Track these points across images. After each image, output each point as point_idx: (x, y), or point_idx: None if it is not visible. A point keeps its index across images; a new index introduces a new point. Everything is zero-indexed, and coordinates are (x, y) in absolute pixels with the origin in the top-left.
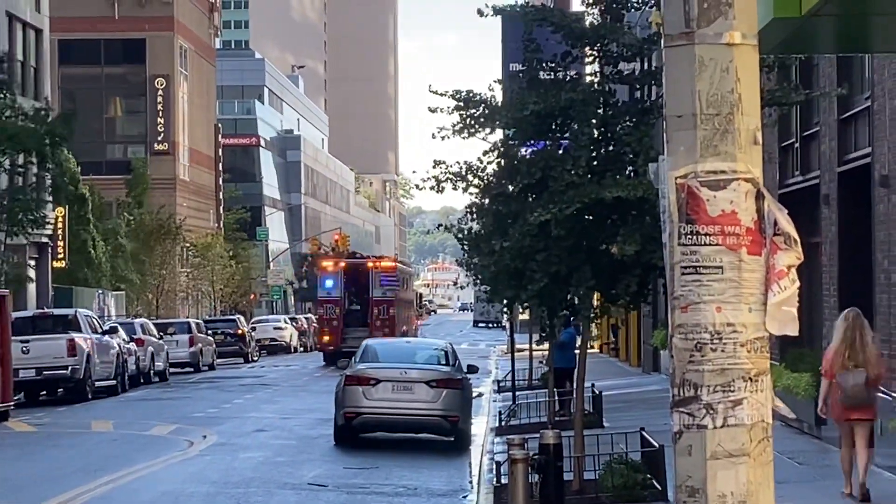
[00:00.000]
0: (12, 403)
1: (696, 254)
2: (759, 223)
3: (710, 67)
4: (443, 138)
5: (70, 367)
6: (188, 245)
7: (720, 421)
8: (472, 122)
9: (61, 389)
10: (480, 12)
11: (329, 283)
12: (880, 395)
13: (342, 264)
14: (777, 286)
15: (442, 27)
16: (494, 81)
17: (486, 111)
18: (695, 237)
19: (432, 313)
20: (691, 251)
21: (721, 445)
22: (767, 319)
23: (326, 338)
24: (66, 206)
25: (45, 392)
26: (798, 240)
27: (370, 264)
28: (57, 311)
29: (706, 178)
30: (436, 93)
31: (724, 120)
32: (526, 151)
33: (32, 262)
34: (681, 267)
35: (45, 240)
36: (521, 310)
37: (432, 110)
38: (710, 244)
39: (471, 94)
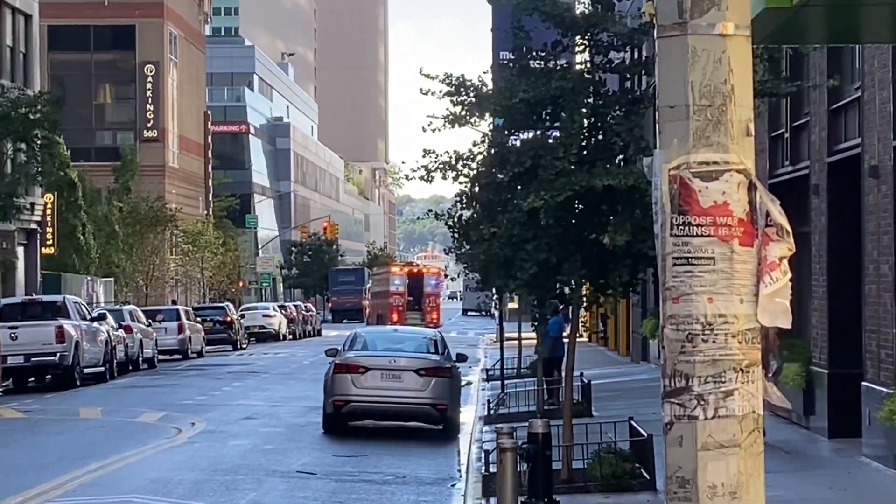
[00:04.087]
0: (0, 390)
1: (688, 245)
2: (751, 214)
3: (702, 58)
4: (434, 131)
5: (58, 354)
6: (179, 232)
7: (711, 412)
8: (463, 111)
9: (49, 376)
10: None
11: (398, 281)
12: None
13: (406, 270)
14: (769, 277)
15: (438, 11)
16: (484, 73)
17: (476, 98)
18: (687, 228)
19: None
20: (683, 242)
21: (712, 436)
22: (759, 311)
23: (395, 318)
24: (56, 193)
25: (33, 378)
26: (790, 231)
27: (424, 270)
28: (46, 298)
29: (698, 168)
30: (427, 76)
31: (716, 111)
32: (515, 140)
33: (21, 248)
34: (672, 258)
35: (33, 226)
36: (510, 298)
37: (424, 93)
38: (702, 235)
39: (462, 80)
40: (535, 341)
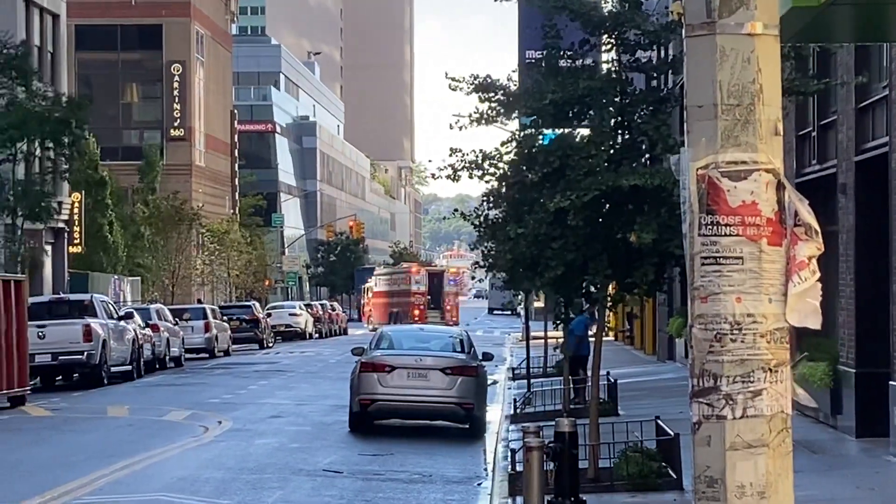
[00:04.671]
0: (28, 388)
1: (716, 244)
2: (780, 214)
3: (731, 58)
4: (460, 128)
5: (86, 353)
6: (205, 231)
7: (740, 411)
8: (491, 111)
9: (77, 374)
10: None
11: (418, 280)
12: None
13: (426, 270)
14: (797, 277)
15: (465, 10)
16: (512, 71)
17: (505, 98)
18: (715, 228)
19: None
20: (711, 242)
21: (740, 436)
22: (787, 311)
23: (416, 315)
24: (83, 192)
25: (60, 377)
26: (819, 231)
27: (443, 269)
28: (73, 297)
29: (727, 168)
30: (453, 79)
31: (745, 110)
32: (543, 139)
33: (49, 248)
34: (701, 257)
35: (61, 225)
36: (536, 297)
37: (452, 88)
38: (730, 235)
39: (489, 81)
40: (560, 340)
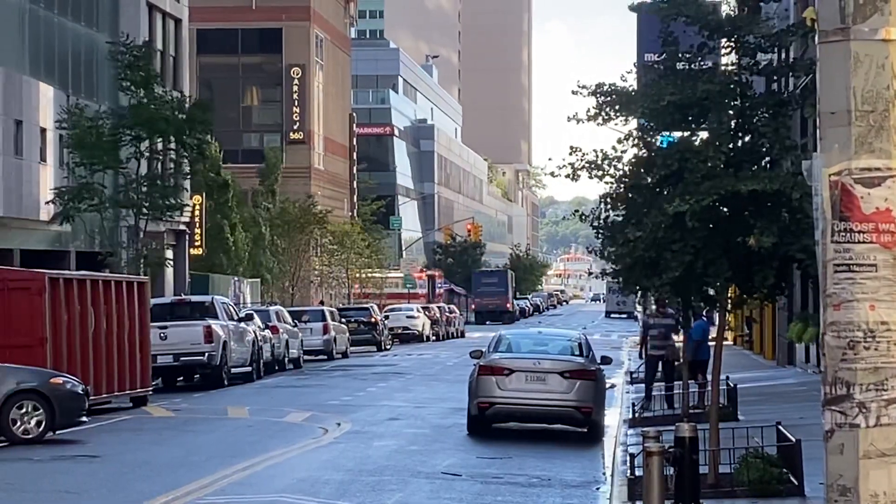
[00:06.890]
0: (150, 389)
1: (849, 251)
2: None
3: (865, 64)
4: (578, 122)
5: (207, 354)
6: (326, 233)
7: (873, 420)
8: (608, 110)
9: (198, 375)
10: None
11: (421, 284)
12: None
13: (426, 274)
14: None
15: (591, 10)
16: (627, 72)
17: (623, 99)
18: (848, 235)
19: (564, 303)
20: (844, 249)
21: (874, 444)
22: None
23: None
24: (204, 194)
25: (182, 378)
26: None
27: (434, 273)
28: (194, 298)
29: (860, 175)
30: (576, 93)
31: (879, 117)
32: (661, 142)
33: (170, 249)
34: (833, 264)
35: (182, 227)
36: (653, 301)
37: (574, 92)
38: (863, 242)
39: (613, 88)
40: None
